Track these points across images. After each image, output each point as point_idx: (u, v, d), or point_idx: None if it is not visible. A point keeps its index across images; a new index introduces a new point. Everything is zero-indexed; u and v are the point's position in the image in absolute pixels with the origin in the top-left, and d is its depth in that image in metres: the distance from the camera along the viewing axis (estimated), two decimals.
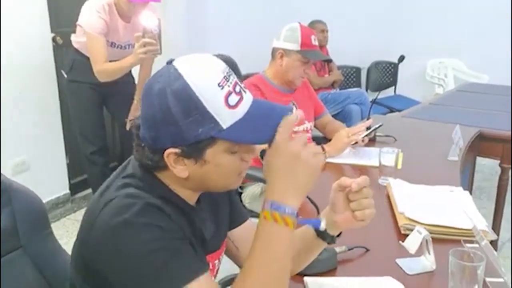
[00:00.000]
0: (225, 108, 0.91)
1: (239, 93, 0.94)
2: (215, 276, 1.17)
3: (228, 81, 0.92)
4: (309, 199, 1.30)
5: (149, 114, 0.94)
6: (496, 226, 2.85)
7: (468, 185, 2.90)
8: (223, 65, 0.95)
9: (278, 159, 0.93)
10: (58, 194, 3.54)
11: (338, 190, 1.08)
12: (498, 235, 2.82)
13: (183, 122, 0.90)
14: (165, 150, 0.93)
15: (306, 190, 0.95)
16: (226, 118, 0.91)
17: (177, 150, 0.93)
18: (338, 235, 1.15)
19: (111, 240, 0.90)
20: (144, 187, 0.96)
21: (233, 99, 0.92)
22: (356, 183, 1.04)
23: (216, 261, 1.16)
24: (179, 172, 0.95)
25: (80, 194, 3.74)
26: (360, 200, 1.05)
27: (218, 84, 0.91)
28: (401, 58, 2.50)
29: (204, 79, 0.91)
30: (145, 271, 0.88)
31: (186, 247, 0.93)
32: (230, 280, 1.48)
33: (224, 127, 0.92)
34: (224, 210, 1.19)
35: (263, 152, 1.28)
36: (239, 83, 0.96)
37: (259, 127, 0.94)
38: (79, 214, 3.49)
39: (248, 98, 0.96)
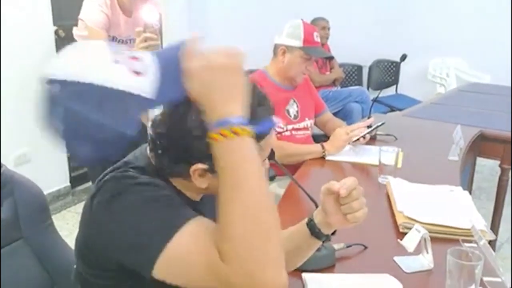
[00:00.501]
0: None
1: None
2: None
3: None
4: (309, 196, 1.30)
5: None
6: (494, 226, 2.85)
7: (468, 185, 2.91)
8: None
9: (195, 81, 0.86)
10: (58, 187, 3.55)
11: (327, 194, 1.08)
12: (496, 235, 2.83)
13: None
14: (192, 164, 0.92)
15: (240, 91, 0.87)
16: None
17: (205, 167, 0.92)
18: (333, 233, 1.15)
19: (108, 209, 0.90)
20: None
21: None
22: (345, 189, 1.03)
23: None
24: (199, 183, 0.95)
25: (80, 187, 3.75)
26: (350, 204, 1.05)
27: None
28: (403, 57, 2.50)
29: None
30: (144, 219, 0.87)
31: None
32: None
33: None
34: None
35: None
36: None
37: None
38: (79, 207, 3.49)
39: None
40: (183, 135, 0.90)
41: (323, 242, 1.15)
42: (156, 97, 0.84)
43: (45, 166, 3.35)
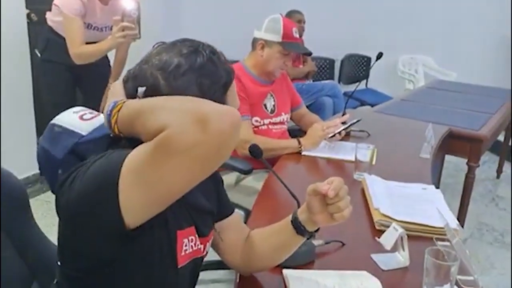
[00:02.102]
0: None
1: None
2: (203, 258, 1.20)
3: None
4: (290, 192, 1.33)
5: None
6: (460, 222, 2.94)
7: (436, 182, 2.99)
8: None
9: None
10: (27, 174, 3.48)
11: (313, 195, 1.11)
12: None
13: None
14: None
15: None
16: None
17: None
18: (316, 230, 1.18)
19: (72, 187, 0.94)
20: None
21: None
22: (333, 190, 1.06)
23: (207, 244, 1.20)
24: None
25: None
26: (337, 204, 1.08)
27: None
28: (379, 55, 2.54)
29: None
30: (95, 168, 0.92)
31: None
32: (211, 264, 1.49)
33: None
34: (211, 194, 1.23)
35: (252, 148, 1.31)
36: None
37: None
38: (48, 195, 3.43)
39: None
40: None
41: (307, 239, 1.18)
42: (87, 135, 1.09)
43: (14, 153, 3.28)
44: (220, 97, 1.02)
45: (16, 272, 1.20)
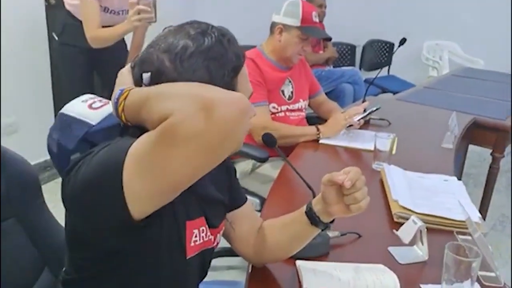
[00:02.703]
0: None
1: None
2: (213, 249, 1.17)
3: None
4: (305, 182, 1.28)
5: None
6: (482, 213, 2.87)
7: (459, 173, 2.91)
8: None
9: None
10: (46, 157, 3.47)
11: (329, 185, 1.06)
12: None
13: None
14: None
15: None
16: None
17: None
18: (331, 221, 1.14)
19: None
20: None
21: None
22: (349, 180, 1.02)
23: (218, 235, 1.17)
24: None
25: None
26: (353, 194, 1.04)
27: None
28: (403, 41, 2.46)
29: None
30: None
31: None
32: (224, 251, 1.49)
33: None
34: (223, 184, 1.19)
35: (265, 136, 1.27)
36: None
37: None
38: None
39: None
40: None
41: (322, 230, 1.14)
42: (97, 124, 1.06)
43: (33, 135, 3.27)
44: (229, 82, 0.97)
45: (27, 258, 1.20)
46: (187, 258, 1.04)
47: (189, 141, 0.77)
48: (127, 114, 0.91)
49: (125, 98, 0.91)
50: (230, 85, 0.97)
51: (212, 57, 0.94)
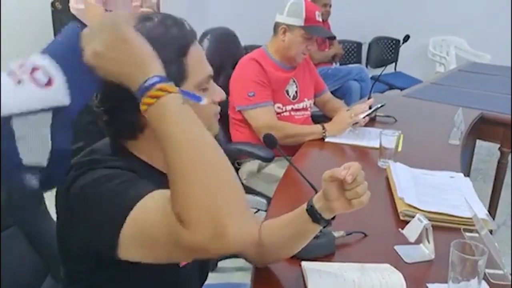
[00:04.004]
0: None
1: None
2: None
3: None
4: (310, 183, 1.28)
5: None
6: (492, 208, 2.86)
7: (467, 169, 2.89)
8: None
9: (99, 67, 0.82)
10: None
11: (330, 181, 1.06)
12: (494, 218, 2.83)
13: None
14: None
15: (142, 49, 0.83)
16: None
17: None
18: (332, 218, 1.13)
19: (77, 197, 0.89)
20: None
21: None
22: (350, 175, 1.02)
23: None
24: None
25: None
26: (355, 189, 1.04)
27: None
28: (406, 38, 2.44)
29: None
30: (102, 199, 0.86)
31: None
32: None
33: None
34: None
35: (266, 137, 1.26)
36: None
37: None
38: None
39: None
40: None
41: (323, 227, 1.13)
42: (73, 99, 0.80)
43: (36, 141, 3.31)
44: (175, 60, 0.96)
45: (29, 265, 1.19)
46: (180, 266, 1.04)
47: (191, 250, 0.77)
48: (149, 115, 0.80)
49: (157, 97, 0.79)
50: (180, 67, 0.96)
51: (152, 37, 0.89)
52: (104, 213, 0.84)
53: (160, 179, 0.88)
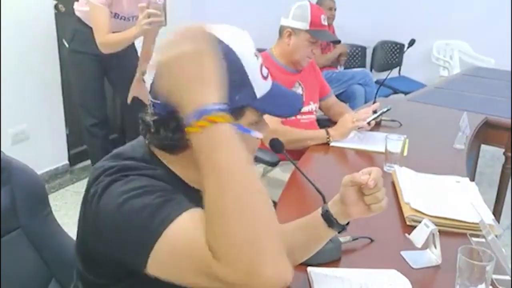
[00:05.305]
0: (260, 77, 0.93)
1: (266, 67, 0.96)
2: None
3: (258, 54, 0.94)
4: (315, 187, 1.27)
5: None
6: (496, 213, 2.85)
7: (472, 173, 2.88)
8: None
9: (162, 78, 0.81)
10: (57, 165, 3.52)
11: (349, 185, 1.07)
12: (498, 222, 2.82)
13: None
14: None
15: (211, 75, 0.79)
16: (260, 87, 0.93)
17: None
18: (347, 224, 1.13)
19: (106, 209, 0.86)
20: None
21: (265, 70, 0.95)
22: (373, 180, 1.03)
23: None
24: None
25: (79, 165, 3.72)
26: (375, 194, 1.05)
27: (254, 54, 0.93)
28: (412, 42, 2.44)
29: (245, 46, 0.92)
30: (135, 215, 0.82)
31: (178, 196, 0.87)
32: None
33: (258, 96, 0.93)
34: None
35: (272, 142, 1.26)
36: None
37: (281, 102, 0.98)
38: (78, 186, 3.47)
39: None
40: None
41: (338, 232, 1.13)
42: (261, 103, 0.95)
43: (44, 143, 3.32)
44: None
45: (34, 270, 1.18)
46: None
47: (220, 282, 0.74)
48: (196, 140, 0.76)
49: (225, 120, 0.76)
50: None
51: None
52: (139, 225, 0.81)
53: (192, 195, 0.88)
